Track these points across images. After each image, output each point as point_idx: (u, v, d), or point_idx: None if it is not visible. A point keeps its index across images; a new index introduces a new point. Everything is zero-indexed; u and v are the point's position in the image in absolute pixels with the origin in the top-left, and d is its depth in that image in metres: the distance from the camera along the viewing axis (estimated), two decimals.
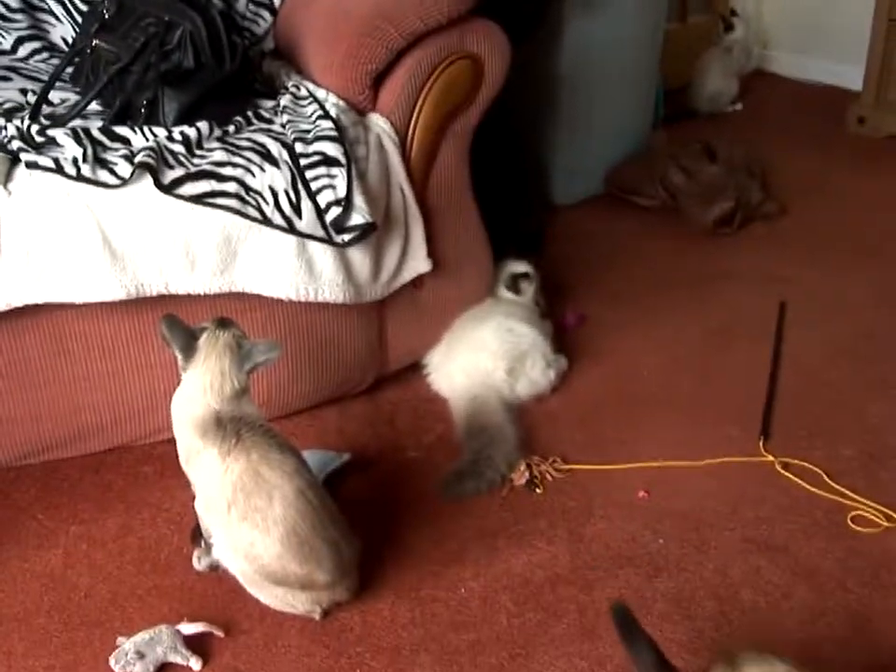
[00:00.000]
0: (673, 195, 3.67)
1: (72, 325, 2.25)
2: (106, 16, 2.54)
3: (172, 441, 1.98)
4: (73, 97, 2.54)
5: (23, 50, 2.82)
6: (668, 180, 3.67)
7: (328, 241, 2.25)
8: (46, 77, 2.69)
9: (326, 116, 2.35)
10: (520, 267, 2.84)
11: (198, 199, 2.16)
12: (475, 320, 2.67)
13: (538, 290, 2.87)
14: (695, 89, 4.82)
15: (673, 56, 4.37)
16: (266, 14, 2.93)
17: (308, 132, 2.33)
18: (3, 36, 2.81)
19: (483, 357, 2.57)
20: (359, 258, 2.33)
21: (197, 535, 2.04)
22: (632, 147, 3.90)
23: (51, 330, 2.24)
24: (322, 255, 2.27)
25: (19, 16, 2.82)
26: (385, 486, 2.34)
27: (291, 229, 2.21)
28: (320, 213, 2.24)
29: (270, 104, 2.53)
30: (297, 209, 2.22)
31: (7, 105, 2.47)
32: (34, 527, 2.24)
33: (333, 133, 2.30)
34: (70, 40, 2.83)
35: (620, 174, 3.81)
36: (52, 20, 2.86)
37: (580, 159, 3.75)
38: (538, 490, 2.29)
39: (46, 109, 2.45)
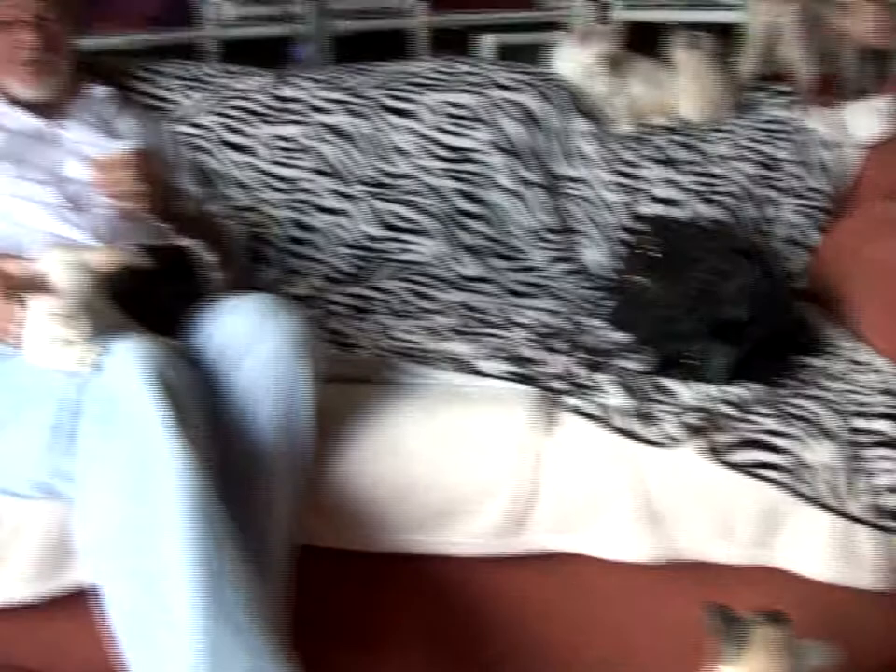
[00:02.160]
0: None
1: (589, 575, 2.18)
2: (654, 255, 2.53)
3: None
4: (608, 333, 2.52)
5: (554, 270, 2.87)
6: None
7: (879, 527, 2.07)
8: (574, 299, 2.72)
9: (887, 391, 2.22)
10: None
11: (747, 469, 2.06)
12: None
13: None
14: None
15: None
16: (803, 253, 2.86)
17: (866, 405, 2.19)
18: (537, 254, 2.87)
19: None
20: None
21: None
22: None
23: (569, 577, 2.19)
24: (867, 539, 2.08)
25: (556, 237, 2.87)
26: None
27: (842, 511, 2.06)
28: (875, 496, 2.07)
29: (818, 363, 2.41)
30: (850, 490, 2.07)
31: (537, 328, 2.49)
32: None
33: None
34: (602, 265, 2.86)
35: None
36: (586, 241, 2.90)
37: None
38: None
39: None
